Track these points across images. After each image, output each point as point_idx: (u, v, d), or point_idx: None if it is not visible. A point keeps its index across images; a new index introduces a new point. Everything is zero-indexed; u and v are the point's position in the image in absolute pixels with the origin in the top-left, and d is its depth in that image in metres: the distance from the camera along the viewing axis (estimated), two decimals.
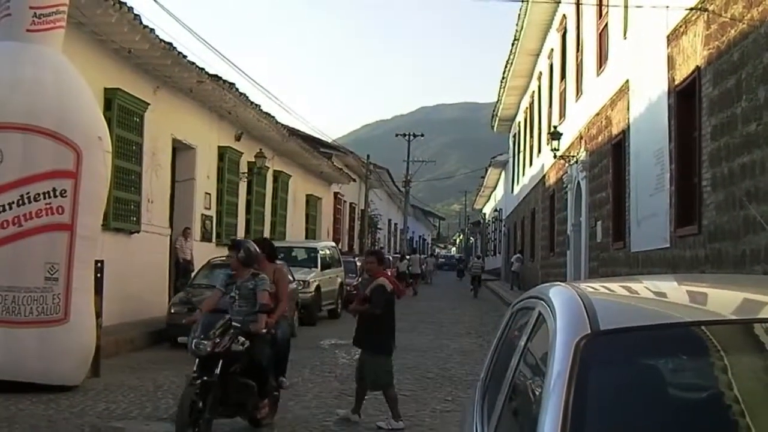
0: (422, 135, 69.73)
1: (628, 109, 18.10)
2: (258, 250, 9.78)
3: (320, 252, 25.49)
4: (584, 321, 2.99)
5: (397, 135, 70.08)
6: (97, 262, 12.43)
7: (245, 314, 9.16)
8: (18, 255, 11.43)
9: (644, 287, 4.17)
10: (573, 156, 24.95)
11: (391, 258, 42.67)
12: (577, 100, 25.31)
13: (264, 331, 9.26)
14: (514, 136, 47.20)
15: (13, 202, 11.39)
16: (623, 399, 2.85)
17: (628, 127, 18.04)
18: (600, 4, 21.64)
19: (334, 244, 30.96)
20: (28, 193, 11.41)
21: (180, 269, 21.30)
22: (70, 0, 12.61)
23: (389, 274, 11.99)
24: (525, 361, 3.50)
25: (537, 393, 2.91)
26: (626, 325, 3.08)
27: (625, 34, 18.58)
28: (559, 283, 3.93)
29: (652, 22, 15.97)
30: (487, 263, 61.59)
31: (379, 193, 60.92)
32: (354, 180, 48.00)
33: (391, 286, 10.87)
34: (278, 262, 11.23)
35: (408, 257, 49.55)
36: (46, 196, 11.45)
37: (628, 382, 2.94)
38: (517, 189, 46.31)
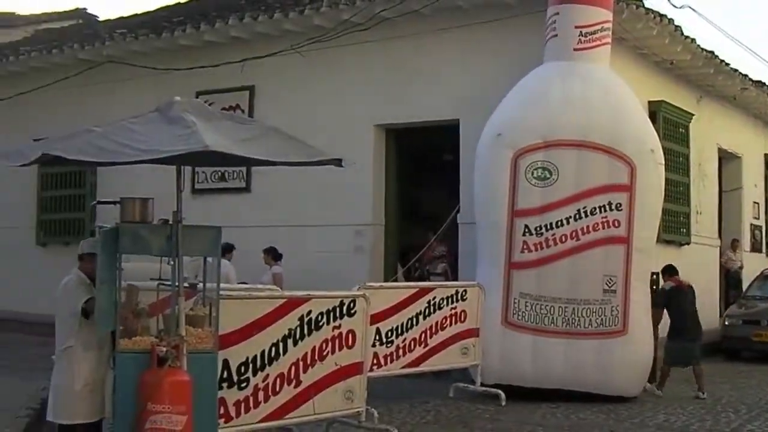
0: None
1: None
2: None
3: None
4: None
5: None
6: (652, 274, 12.48)
7: None
8: (576, 268, 11.82)
9: None
10: None
11: None
12: None
13: None
14: None
15: (570, 217, 11.80)
16: None
17: None
18: None
19: None
20: (584, 207, 11.77)
21: (730, 281, 20.76)
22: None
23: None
24: None
25: None
26: None
27: None
28: None
29: None
30: None
31: None
32: None
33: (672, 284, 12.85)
34: None
35: None
36: (602, 209, 11.74)
37: None
38: None
